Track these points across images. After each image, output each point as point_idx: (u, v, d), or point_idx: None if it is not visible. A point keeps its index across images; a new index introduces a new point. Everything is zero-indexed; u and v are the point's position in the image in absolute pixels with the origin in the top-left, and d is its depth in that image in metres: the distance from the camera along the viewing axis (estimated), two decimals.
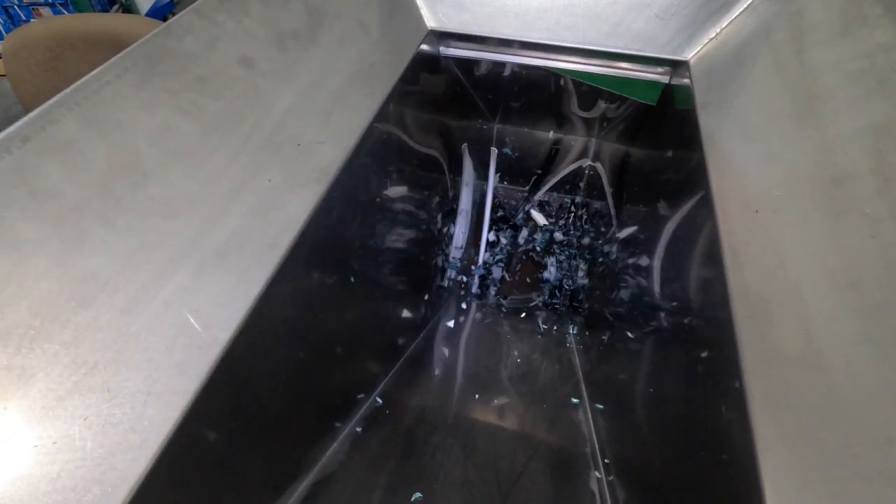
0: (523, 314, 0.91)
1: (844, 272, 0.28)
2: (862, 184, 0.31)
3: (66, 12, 1.93)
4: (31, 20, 1.90)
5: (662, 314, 0.50)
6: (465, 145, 0.85)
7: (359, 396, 0.59)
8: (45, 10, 1.94)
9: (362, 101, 0.47)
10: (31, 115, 0.27)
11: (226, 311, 0.31)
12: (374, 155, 0.51)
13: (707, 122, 0.46)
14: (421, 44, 0.60)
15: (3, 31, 1.88)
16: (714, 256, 0.36)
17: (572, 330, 0.86)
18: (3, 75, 1.10)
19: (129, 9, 2.19)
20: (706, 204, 0.40)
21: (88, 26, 1.12)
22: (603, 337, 0.75)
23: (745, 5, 0.54)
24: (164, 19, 1.68)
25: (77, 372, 0.24)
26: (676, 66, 0.58)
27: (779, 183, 0.36)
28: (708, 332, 0.36)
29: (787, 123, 0.39)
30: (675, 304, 0.46)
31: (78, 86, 0.30)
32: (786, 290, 0.30)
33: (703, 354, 0.36)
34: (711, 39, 0.55)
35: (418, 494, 0.48)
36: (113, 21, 1.24)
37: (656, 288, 0.54)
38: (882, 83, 0.36)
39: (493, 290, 0.95)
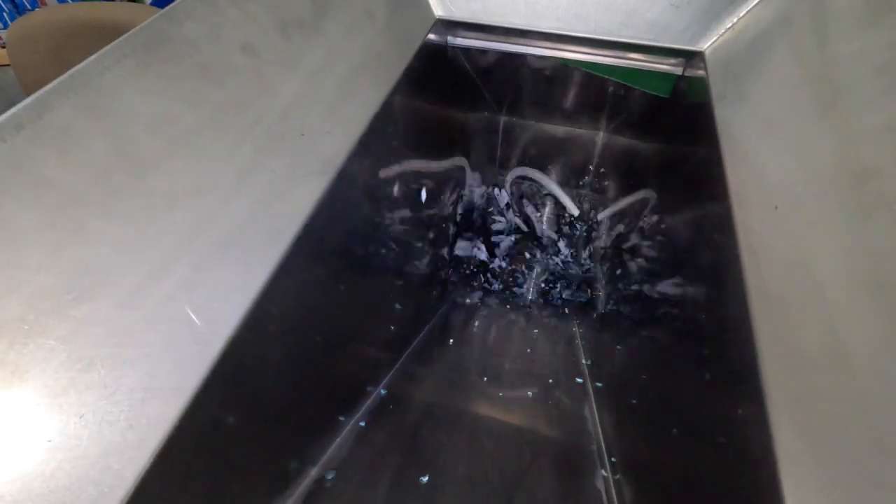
0: (529, 309, 0.90)
1: (872, 272, 0.27)
2: (890, 181, 0.30)
3: (70, 1, 1.92)
4: (36, 9, 1.89)
5: (673, 312, 0.49)
6: (464, 160, 0.83)
7: (363, 391, 0.58)
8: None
9: (368, 91, 0.46)
10: (26, 101, 0.26)
11: (228, 305, 0.30)
12: (380, 146, 0.50)
13: (723, 114, 0.44)
14: (428, 33, 0.58)
15: (7, 19, 1.87)
16: (730, 253, 0.34)
17: (578, 326, 0.85)
18: (8, 65, 1.09)
19: None
20: (721, 198, 0.38)
21: (94, 15, 1.11)
22: (610, 335, 0.74)
23: None
24: None
25: (73, 368, 0.24)
26: (691, 56, 0.57)
27: (801, 178, 0.34)
28: (723, 331, 0.34)
29: (809, 117, 0.37)
30: (687, 301, 0.45)
31: (75, 72, 0.29)
32: (808, 290, 0.29)
33: (717, 354, 0.35)
34: (728, 29, 0.53)
35: (424, 478, 0.48)
36: (119, 10, 1.22)
37: (667, 285, 0.52)
38: None
39: (498, 285, 0.94)
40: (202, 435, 0.29)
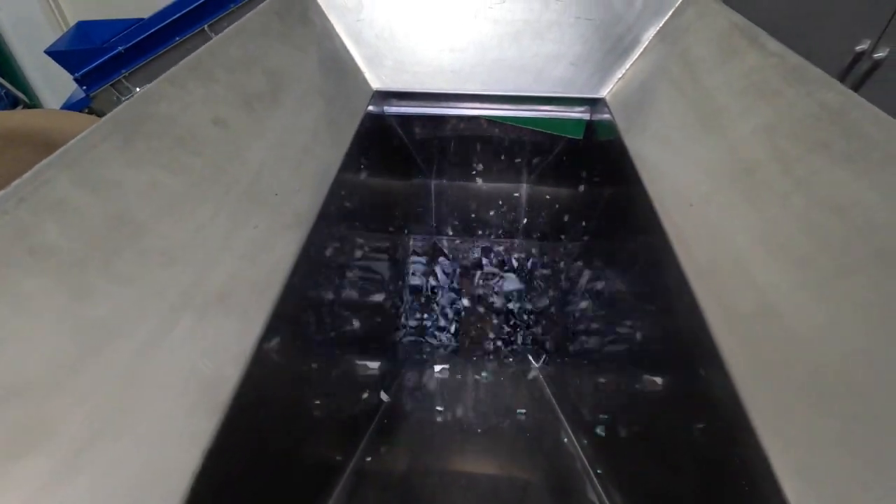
0: (487, 353, 0.94)
1: (773, 237, 0.34)
2: (768, 169, 0.38)
3: None
4: None
5: (623, 313, 0.55)
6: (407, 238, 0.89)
7: (349, 443, 0.57)
8: None
9: (327, 153, 0.50)
10: (25, 176, 0.28)
11: (232, 350, 0.31)
12: (343, 203, 0.54)
13: (633, 143, 0.53)
14: (369, 104, 0.65)
15: None
16: (664, 247, 0.41)
17: (534, 355, 0.89)
18: None
19: (34, 107, 2.12)
20: (646, 206, 0.46)
21: (5, 123, 1.08)
22: (570, 359, 0.78)
23: (640, 49, 0.64)
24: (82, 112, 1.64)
25: (96, 423, 0.24)
26: (595, 103, 0.67)
27: (703, 179, 0.42)
28: (672, 310, 0.40)
29: (698, 133, 0.47)
30: (632, 296, 0.51)
31: (67, 148, 0.30)
32: (731, 261, 0.35)
33: (670, 332, 0.40)
34: (620, 79, 0.64)
35: None
36: (33, 117, 1.20)
37: (612, 290, 0.58)
38: (762, 94, 0.44)
39: (453, 338, 0.96)
40: (218, 483, 0.29)
